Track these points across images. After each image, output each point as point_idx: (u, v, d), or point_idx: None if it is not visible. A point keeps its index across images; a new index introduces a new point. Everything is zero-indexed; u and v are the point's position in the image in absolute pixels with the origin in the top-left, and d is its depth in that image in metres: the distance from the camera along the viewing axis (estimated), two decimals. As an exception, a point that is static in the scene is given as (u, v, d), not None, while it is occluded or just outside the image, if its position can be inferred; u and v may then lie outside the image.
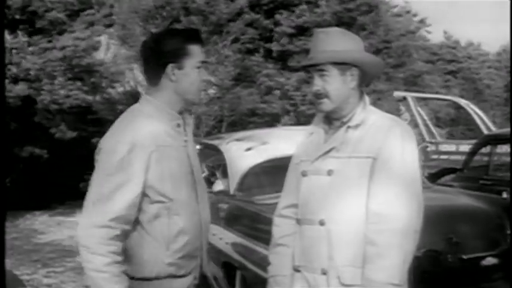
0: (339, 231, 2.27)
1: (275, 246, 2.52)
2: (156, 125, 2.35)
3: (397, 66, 19.07)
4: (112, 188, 2.25)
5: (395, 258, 2.21)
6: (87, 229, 2.24)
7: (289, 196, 2.49)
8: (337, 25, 16.48)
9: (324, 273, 2.29)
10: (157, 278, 2.34)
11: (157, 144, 2.31)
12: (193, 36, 2.43)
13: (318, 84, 2.35)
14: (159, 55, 2.38)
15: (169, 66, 2.37)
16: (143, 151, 2.28)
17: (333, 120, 2.42)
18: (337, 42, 2.35)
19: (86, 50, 13.34)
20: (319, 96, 2.36)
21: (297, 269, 2.39)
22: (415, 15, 24.85)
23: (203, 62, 2.43)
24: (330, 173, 2.32)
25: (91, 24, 13.87)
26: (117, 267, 2.24)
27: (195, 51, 2.39)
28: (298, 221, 2.40)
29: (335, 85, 2.34)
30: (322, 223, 2.29)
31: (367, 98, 2.43)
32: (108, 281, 2.21)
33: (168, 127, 2.39)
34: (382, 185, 2.25)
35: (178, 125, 2.43)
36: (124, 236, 2.29)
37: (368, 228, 2.24)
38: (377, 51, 16.81)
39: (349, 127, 2.36)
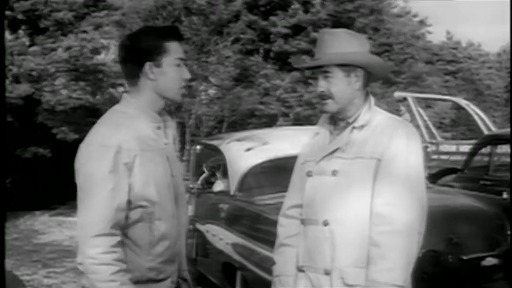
0: (342, 232, 2.27)
1: (280, 246, 2.52)
2: (140, 128, 2.30)
3: (399, 71, 19.04)
4: (105, 193, 2.19)
5: (398, 259, 2.21)
6: (91, 239, 2.18)
7: (294, 196, 2.49)
8: (334, 26, 16.54)
9: (327, 273, 2.30)
10: (137, 283, 2.27)
11: (141, 148, 2.26)
12: (169, 33, 2.37)
13: (322, 85, 2.35)
14: (135, 54, 2.32)
15: (147, 65, 2.30)
16: (128, 155, 2.22)
17: (338, 120, 2.42)
18: (342, 44, 2.35)
19: (92, 51, 13.35)
20: (323, 97, 2.36)
21: (300, 269, 2.39)
22: (415, 15, 24.86)
23: (181, 59, 2.36)
24: (334, 173, 2.32)
25: (99, 26, 13.88)
26: (124, 275, 2.20)
27: (173, 48, 2.32)
28: (303, 221, 2.41)
29: (339, 86, 2.34)
30: (325, 223, 2.30)
31: (372, 99, 2.43)
32: None
33: (151, 131, 2.33)
34: (386, 186, 2.25)
35: (159, 127, 2.37)
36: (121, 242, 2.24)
37: (371, 230, 2.24)
38: (377, 54, 16.82)
39: (354, 128, 2.36)
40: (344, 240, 2.27)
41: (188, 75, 2.38)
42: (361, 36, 2.44)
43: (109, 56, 15.08)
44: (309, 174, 2.39)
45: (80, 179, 2.25)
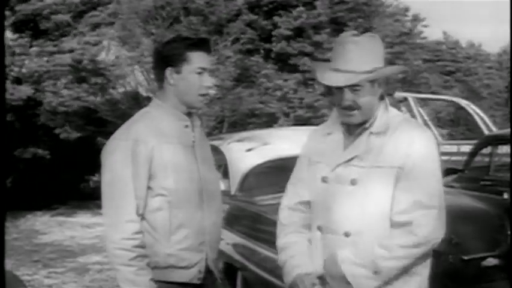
0: (364, 242, 2.24)
1: (286, 232, 2.45)
2: (160, 124, 2.50)
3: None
4: (126, 183, 2.40)
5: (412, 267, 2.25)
6: (114, 225, 2.40)
7: (302, 194, 2.43)
8: (333, 27, 16.54)
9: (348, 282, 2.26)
10: (157, 268, 2.45)
11: (160, 141, 2.46)
12: (195, 43, 2.55)
13: (349, 98, 2.27)
14: (161, 59, 2.56)
15: (168, 70, 2.52)
16: (145, 146, 2.43)
17: (351, 125, 2.36)
18: (370, 57, 2.28)
19: (94, 54, 13.39)
20: (349, 108, 2.29)
21: (319, 277, 2.34)
22: (407, 9, 24.84)
23: (203, 68, 2.52)
24: (353, 182, 2.27)
25: (96, 26, 13.89)
26: (142, 261, 2.40)
27: (195, 57, 2.51)
28: (319, 228, 2.35)
29: (367, 98, 2.28)
30: (347, 234, 2.27)
31: (387, 101, 2.38)
32: (135, 274, 2.38)
33: (174, 128, 2.53)
34: (405, 194, 2.23)
35: (186, 126, 2.56)
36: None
37: (392, 239, 2.22)
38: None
39: (371, 133, 2.31)
40: (366, 249, 2.24)
41: (209, 83, 2.56)
42: (379, 40, 2.35)
43: (109, 57, 15.08)
44: (324, 180, 2.33)
45: (104, 170, 2.48)
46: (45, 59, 12.90)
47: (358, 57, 2.26)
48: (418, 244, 2.21)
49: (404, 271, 2.22)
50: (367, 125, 2.32)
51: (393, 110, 2.40)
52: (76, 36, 13.43)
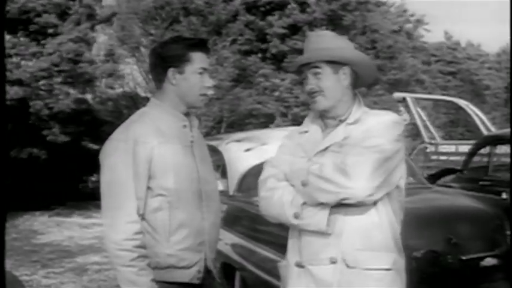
0: (348, 221, 2.30)
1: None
2: (160, 125, 2.50)
3: (384, 67, 19.04)
4: (126, 183, 2.40)
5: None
6: (114, 226, 2.40)
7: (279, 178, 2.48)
8: (331, 27, 16.60)
9: (333, 262, 2.30)
10: (157, 268, 2.45)
11: (159, 141, 2.45)
12: (196, 44, 2.57)
13: (312, 82, 2.39)
14: (162, 59, 2.55)
15: (170, 70, 2.52)
16: (145, 146, 2.43)
17: (328, 119, 2.44)
18: (329, 42, 2.41)
19: (75, 50, 13.34)
20: (313, 94, 2.39)
21: (300, 265, 2.38)
22: (411, 14, 24.90)
23: (204, 68, 2.54)
24: None
25: (79, 22, 13.88)
26: (143, 261, 2.40)
27: (197, 58, 2.53)
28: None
29: (329, 83, 2.38)
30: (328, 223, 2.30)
31: (360, 98, 2.46)
32: (136, 274, 2.38)
33: (173, 127, 2.53)
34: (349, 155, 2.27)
35: (185, 126, 2.57)
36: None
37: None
38: (365, 51, 16.89)
39: (348, 124, 2.38)
40: (350, 229, 2.30)
41: (210, 83, 2.58)
42: (345, 38, 2.54)
43: (97, 52, 15.05)
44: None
45: (103, 170, 2.48)
46: (31, 63, 12.89)
47: (318, 43, 2.41)
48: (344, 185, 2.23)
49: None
50: (343, 118, 2.40)
51: (367, 109, 2.47)
52: (58, 36, 13.41)
